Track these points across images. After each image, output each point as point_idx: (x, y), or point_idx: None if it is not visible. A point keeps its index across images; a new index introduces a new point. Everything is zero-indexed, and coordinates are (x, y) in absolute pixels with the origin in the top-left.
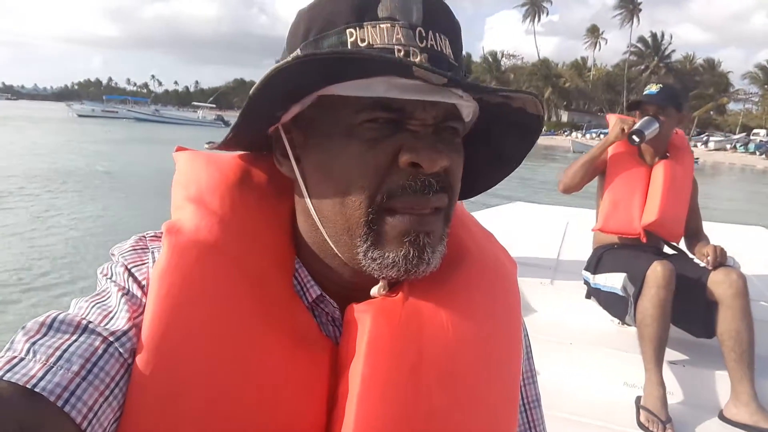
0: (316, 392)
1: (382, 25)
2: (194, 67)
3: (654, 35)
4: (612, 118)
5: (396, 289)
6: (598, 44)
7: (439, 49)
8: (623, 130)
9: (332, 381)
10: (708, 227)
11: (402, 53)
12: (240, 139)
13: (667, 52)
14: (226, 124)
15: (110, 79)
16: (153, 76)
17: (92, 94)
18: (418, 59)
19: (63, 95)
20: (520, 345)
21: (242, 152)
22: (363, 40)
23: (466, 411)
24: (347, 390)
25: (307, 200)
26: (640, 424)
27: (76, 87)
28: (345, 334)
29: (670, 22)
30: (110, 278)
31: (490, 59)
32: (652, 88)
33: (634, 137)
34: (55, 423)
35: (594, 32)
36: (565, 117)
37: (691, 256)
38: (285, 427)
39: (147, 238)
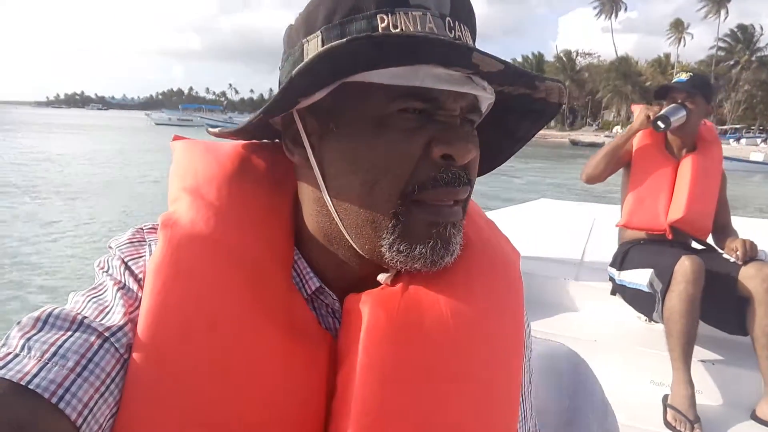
0: (315, 383)
1: (414, 13)
2: (270, 75)
3: (744, 27)
4: (637, 108)
5: (396, 279)
6: (682, 40)
7: (465, 40)
8: (648, 117)
9: (331, 372)
10: (737, 222)
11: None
12: (244, 127)
13: (758, 45)
14: None
15: (191, 89)
16: (230, 85)
17: (174, 103)
18: None
19: (148, 105)
20: (522, 334)
21: (241, 141)
22: (396, 27)
23: (466, 400)
24: (347, 381)
25: (324, 190)
26: (667, 424)
27: (160, 96)
28: (344, 325)
29: (762, 14)
30: (107, 272)
31: (564, 59)
32: (682, 76)
33: (659, 123)
34: (49, 420)
35: (678, 27)
36: None
37: (720, 251)
38: (284, 419)
39: (144, 231)
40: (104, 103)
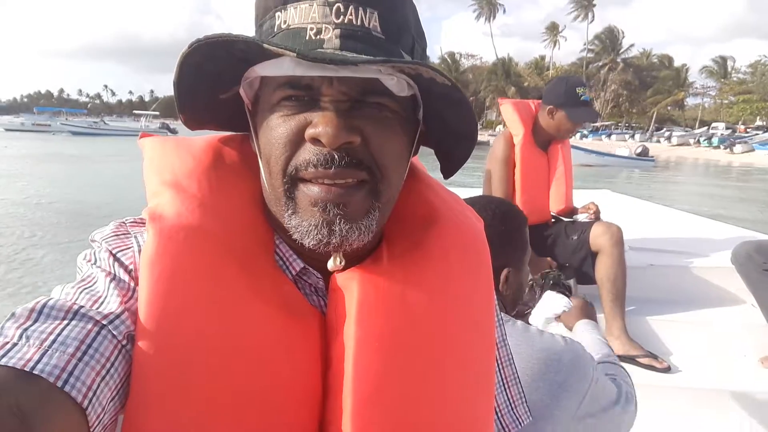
0: (310, 358)
1: (301, 5)
2: (152, 75)
3: (610, 30)
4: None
5: (376, 255)
6: (557, 43)
7: (359, 23)
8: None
9: (323, 346)
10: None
11: (313, 31)
12: (215, 120)
13: (623, 48)
14: (172, 131)
15: (62, 91)
16: (106, 86)
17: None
18: (328, 36)
19: (11, 109)
20: (493, 296)
21: (212, 135)
22: (285, 22)
23: (453, 362)
24: (341, 353)
25: (262, 175)
26: (645, 366)
27: (25, 99)
28: (332, 302)
29: (619, 21)
30: (95, 264)
31: (449, 60)
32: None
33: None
34: (56, 403)
35: (553, 30)
36: None
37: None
38: (286, 392)
39: (127, 224)
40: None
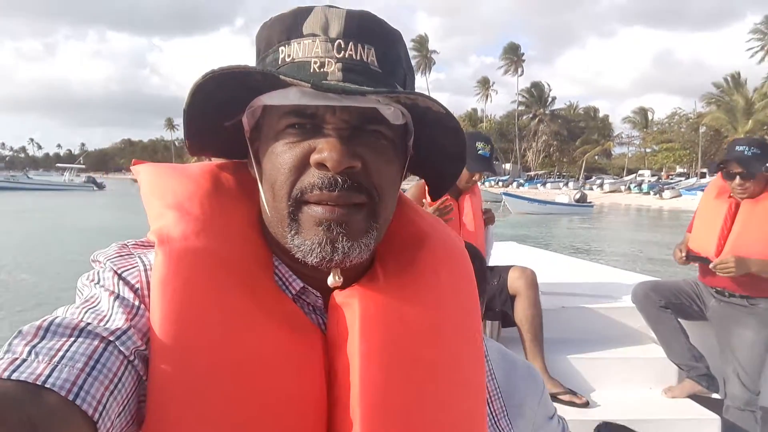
0: (315, 372)
1: (304, 41)
2: (84, 129)
3: (537, 84)
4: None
5: (371, 274)
6: (489, 96)
7: (359, 58)
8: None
9: (326, 361)
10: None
11: (317, 65)
12: (215, 147)
13: (549, 101)
14: (99, 186)
15: None
16: (32, 140)
17: None
18: (331, 69)
19: None
20: (479, 313)
21: (209, 162)
22: (289, 56)
23: (450, 373)
24: (345, 366)
25: (262, 198)
26: (564, 402)
27: None
28: (333, 318)
29: (544, 77)
30: (98, 283)
31: None
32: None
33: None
34: (66, 416)
35: (485, 84)
36: None
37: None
38: (293, 405)
39: (129, 246)
40: None
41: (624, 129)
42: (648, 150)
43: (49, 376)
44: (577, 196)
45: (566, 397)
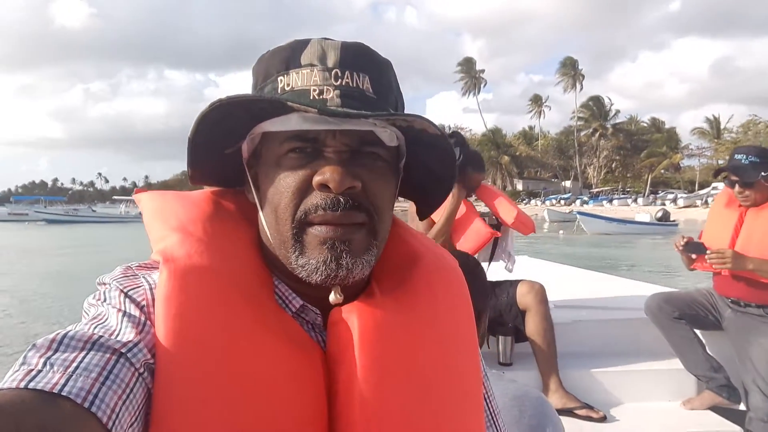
0: (316, 387)
1: (303, 71)
2: (147, 162)
3: (597, 99)
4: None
5: (369, 292)
6: (542, 113)
7: (355, 85)
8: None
9: (326, 376)
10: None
11: (317, 92)
12: (214, 175)
13: (612, 114)
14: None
15: (56, 180)
16: (100, 174)
17: (21, 196)
18: (330, 96)
19: (4, 199)
20: (474, 326)
21: (209, 189)
22: (288, 85)
23: (446, 388)
24: (345, 381)
25: (261, 221)
26: (579, 416)
27: (20, 190)
28: (332, 335)
29: (595, 92)
30: (105, 302)
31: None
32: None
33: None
34: (81, 423)
35: (537, 101)
36: (519, 185)
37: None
38: (294, 420)
39: (133, 268)
40: None
41: (691, 140)
42: (721, 161)
43: (64, 385)
44: (659, 215)
45: (583, 412)
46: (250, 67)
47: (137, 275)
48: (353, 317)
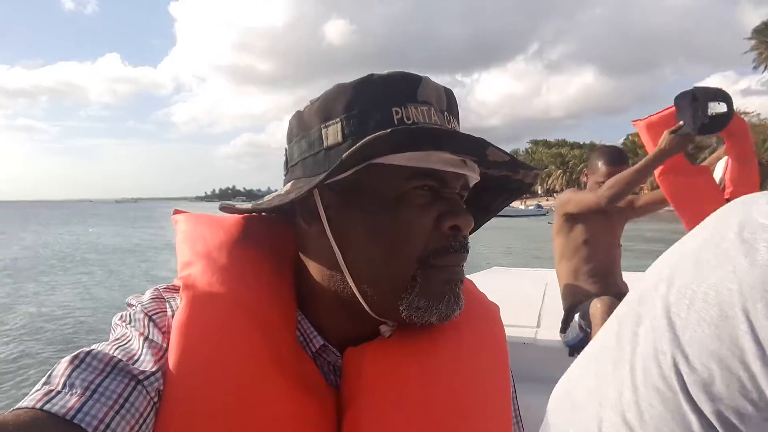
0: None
1: (422, 108)
2: None
3: None
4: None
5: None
6: None
7: (452, 127)
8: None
9: (338, 421)
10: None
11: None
12: (268, 203)
13: None
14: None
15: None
16: None
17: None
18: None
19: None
20: (509, 382)
21: (240, 215)
22: (408, 119)
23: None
24: (356, 426)
25: (339, 257)
26: None
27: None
28: (346, 377)
29: None
30: (130, 324)
31: None
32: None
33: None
34: None
35: None
36: None
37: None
38: None
39: (161, 290)
40: (249, 196)
41: None
42: None
43: (78, 411)
44: None
45: None
46: (494, 65)
47: (163, 299)
48: (368, 359)
